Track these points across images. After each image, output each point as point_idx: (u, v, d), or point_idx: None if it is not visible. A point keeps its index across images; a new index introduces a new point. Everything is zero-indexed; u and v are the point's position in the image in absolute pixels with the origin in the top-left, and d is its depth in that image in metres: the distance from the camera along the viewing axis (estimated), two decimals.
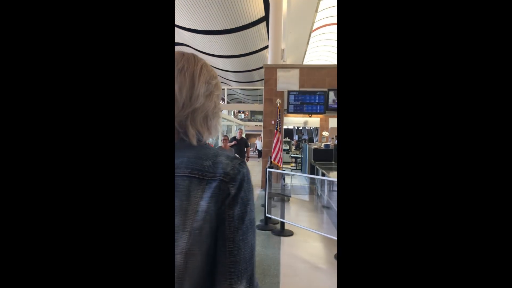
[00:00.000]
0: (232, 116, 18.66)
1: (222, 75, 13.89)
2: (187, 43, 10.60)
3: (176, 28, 9.10)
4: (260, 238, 3.55)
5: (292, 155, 9.62)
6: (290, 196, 5.42)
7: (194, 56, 0.57)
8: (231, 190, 0.50)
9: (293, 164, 9.68)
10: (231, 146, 5.93)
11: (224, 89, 13.49)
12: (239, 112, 19.40)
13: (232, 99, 19.18)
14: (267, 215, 3.92)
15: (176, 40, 10.13)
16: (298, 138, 11.80)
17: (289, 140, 9.91)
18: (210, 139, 0.67)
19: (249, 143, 6.38)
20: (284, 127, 10.97)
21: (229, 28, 9.17)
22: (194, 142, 0.53)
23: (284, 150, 8.88)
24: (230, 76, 13.92)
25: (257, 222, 4.10)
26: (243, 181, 0.52)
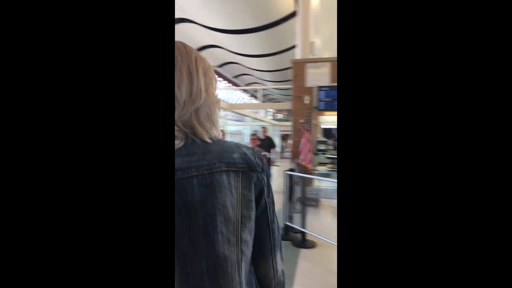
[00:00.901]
0: (270, 117, 18.39)
1: (258, 76, 13.70)
2: (220, 45, 10.60)
3: (208, 30, 9.12)
4: None
5: (328, 155, 9.03)
6: (319, 201, 4.95)
7: (184, 45, 0.54)
8: (264, 180, 0.54)
9: (330, 165, 9.09)
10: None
11: (258, 89, 13.26)
12: (277, 112, 19.04)
13: (270, 99, 18.91)
14: (286, 223, 3.55)
15: (209, 42, 10.17)
16: (334, 137, 11.13)
17: (325, 139, 9.32)
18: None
19: (275, 143, 5.94)
20: (322, 126, 10.42)
21: (260, 25, 8.92)
22: (207, 139, 0.52)
23: (321, 150, 8.36)
24: (266, 76, 13.65)
25: None
26: (267, 169, 0.56)
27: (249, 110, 12.56)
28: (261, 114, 16.27)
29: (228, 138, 13.62)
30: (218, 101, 0.57)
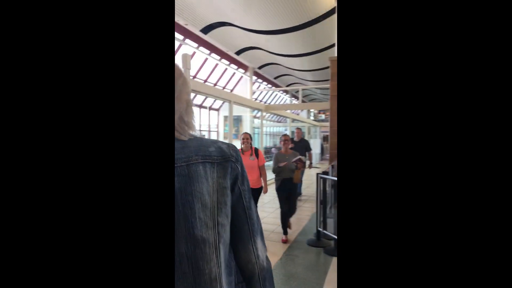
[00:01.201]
0: (311, 117, 17.94)
1: (299, 76, 13.45)
2: (261, 47, 10.64)
3: (248, 32, 9.20)
4: (307, 257, 3.05)
5: None
6: None
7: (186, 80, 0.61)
8: (238, 168, 0.60)
9: None
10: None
11: (300, 89, 13.04)
12: (320, 112, 18.48)
13: (311, 100, 18.44)
14: (319, 229, 3.38)
15: (250, 44, 10.25)
16: None
17: None
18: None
19: (310, 146, 5.66)
20: None
21: (300, 24, 8.75)
22: (183, 137, 0.58)
23: None
24: (308, 75, 13.35)
25: (309, 236, 3.59)
26: (241, 160, 0.62)
27: (290, 111, 12.40)
28: (303, 114, 15.95)
29: (268, 139, 13.60)
30: (190, 105, 0.62)
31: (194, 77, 9.16)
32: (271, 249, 3.21)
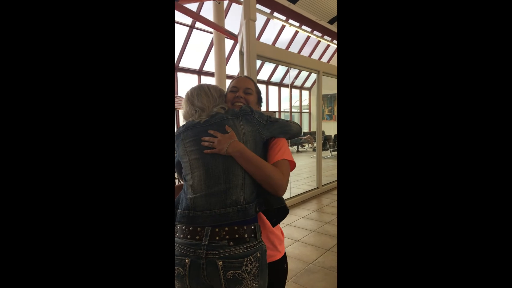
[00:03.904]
0: None
1: None
2: None
3: None
4: None
5: None
6: None
7: (207, 85, 1.14)
8: (256, 116, 1.04)
9: None
10: None
11: None
12: None
13: None
14: None
15: None
16: None
17: None
18: None
19: None
20: None
21: None
22: (223, 112, 1.08)
23: None
24: None
25: None
26: (255, 112, 1.06)
27: None
28: None
29: None
30: (226, 102, 1.13)
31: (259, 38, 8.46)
32: None
